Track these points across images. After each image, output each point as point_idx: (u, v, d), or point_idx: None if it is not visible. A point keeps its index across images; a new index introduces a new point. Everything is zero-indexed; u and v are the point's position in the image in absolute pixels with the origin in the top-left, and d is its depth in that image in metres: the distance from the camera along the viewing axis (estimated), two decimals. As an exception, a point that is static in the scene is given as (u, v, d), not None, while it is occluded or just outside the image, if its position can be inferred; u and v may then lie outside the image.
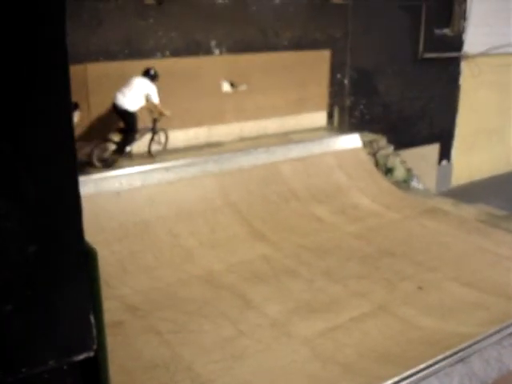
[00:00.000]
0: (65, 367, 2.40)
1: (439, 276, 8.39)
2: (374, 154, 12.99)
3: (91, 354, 2.42)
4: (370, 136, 13.37)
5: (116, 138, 10.56)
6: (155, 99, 10.43)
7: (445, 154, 17.56)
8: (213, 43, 11.84)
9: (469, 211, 11.11)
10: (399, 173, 13.27)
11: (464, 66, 17.06)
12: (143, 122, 10.77)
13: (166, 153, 11.14)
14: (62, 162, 2.20)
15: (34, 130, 2.10)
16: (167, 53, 11.16)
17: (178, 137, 11.39)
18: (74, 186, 2.27)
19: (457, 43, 16.60)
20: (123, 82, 10.34)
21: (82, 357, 2.40)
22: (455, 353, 6.06)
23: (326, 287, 8.06)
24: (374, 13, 14.18)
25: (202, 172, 10.48)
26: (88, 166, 10.07)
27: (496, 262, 8.87)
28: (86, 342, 2.41)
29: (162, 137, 11.21)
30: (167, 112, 10.68)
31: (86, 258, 2.36)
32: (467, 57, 16.84)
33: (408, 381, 5.65)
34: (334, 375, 6.03)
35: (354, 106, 14.67)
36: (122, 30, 10.64)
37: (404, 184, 13.00)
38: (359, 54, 14.12)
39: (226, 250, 9.16)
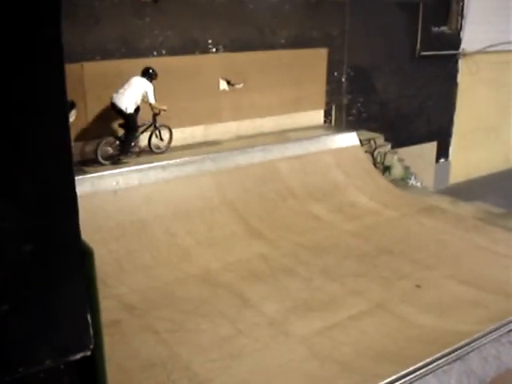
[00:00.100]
0: (62, 367, 2.40)
1: (437, 274, 8.39)
2: (371, 153, 12.99)
3: (88, 353, 2.41)
4: (368, 134, 13.37)
5: (119, 134, 10.59)
6: (151, 99, 10.44)
7: (442, 151, 17.57)
8: (209, 42, 11.82)
9: (466, 209, 11.12)
10: (397, 171, 13.27)
11: (462, 64, 17.06)
12: (145, 118, 10.82)
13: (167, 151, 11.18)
14: (58, 161, 2.19)
15: (30, 129, 2.09)
16: (164, 51, 11.14)
17: (175, 135, 11.35)
18: (71, 185, 2.26)
19: (454, 41, 16.60)
20: (120, 80, 10.33)
21: (78, 356, 2.40)
22: (453, 351, 6.07)
23: (323, 286, 8.06)
24: (372, 11, 14.16)
25: (199, 170, 10.47)
26: (95, 164, 10.16)
27: (494, 259, 8.87)
28: (83, 342, 2.40)
29: (166, 133, 11.22)
30: (163, 107, 10.69)
31: (83, 258, 2.35)
32: (465, 54, 16.84)
33: (406, 379, 5.65)
34: (332, 374, 6.03)
35: (352, 104, 14.67)
36: (118, 28, 10.62)
37: (402, 182, 13.01)
38: (356, 52, 14.10)
39: (223, 248, 9.16)
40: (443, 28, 16.22)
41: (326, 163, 11.94)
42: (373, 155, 12.99)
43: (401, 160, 13.51)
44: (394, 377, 5.63)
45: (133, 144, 10.61)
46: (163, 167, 10.18)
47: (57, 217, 2.23)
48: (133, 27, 10.79)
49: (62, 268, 2.28)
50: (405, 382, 5.64)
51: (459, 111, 17.45)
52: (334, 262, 8.78)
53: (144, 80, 10.47)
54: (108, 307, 7.08)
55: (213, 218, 9.83)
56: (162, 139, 11.15)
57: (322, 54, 13.66)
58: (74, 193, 2.26)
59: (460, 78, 17.18)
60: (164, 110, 10.75)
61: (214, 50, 11.96)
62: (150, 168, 10.07)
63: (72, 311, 2.34)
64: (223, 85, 12.24)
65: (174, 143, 11.30)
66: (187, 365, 6.16)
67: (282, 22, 12.82)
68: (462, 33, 16.60)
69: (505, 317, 6.78)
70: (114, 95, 10.28)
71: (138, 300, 7.60)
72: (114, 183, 9.53)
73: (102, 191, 9.36)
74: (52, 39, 2.08)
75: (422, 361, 5.85)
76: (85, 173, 9.50)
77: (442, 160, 17.65)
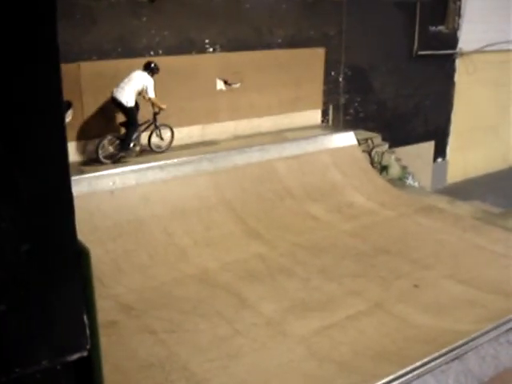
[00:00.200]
0: (58, 367, 2.39)
1: (435, 274, 8.39)
2: (369, 152, 12.99)
3: (85, 353, 2.40)
4: (365, 134, 13.37)
5: (119, 133, 10.60)
6: (151, 93, 10.45)
7: (440, 151, 17.57)
8: (206, 41, 11.81)
9: (464, 209, 11.12)
10: (394, 170, 13.28)
11: (459, 63, 17.07)
12: (145, 117, 10.83)
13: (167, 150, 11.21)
14: (54, 161, 2.18)
15: (26, 129, 2.08)
16: (160, 51, 11.13)
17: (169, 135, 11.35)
18: (67, 185, 2.25)
19: (452, 40, 16.60)
20: (117, 80, 10.33)
21: (75, 357, 2.39)
22: (451, 350, 6.07)
23: (321, 286, 8.06)
24: (369, 10, 14.16)
25: (197, 170, 10.47)
26: (96, 164, 10.20)
27: (492, 259, 8.87)
28: (80, 342, 2.39)
29: (166, 133, 11.23)
30: (163, 105, 10.70)
31: (79, 257, 2.34)
32: (462, 54, 16.85)
33: (404, 378, 5.65)
34: (330, 373, 6.03)
35: (349, 103, 14.66)
36: (114, 28, 10.61)
37: (399, 182, 13.02)
38: (354, 52, 14.10)
39: (221, 248, 9.15)
40: (440, 27, 16.22)
41: (324, 163, 11.93)
42: (370, 155, 12.98)
43: (398, 160, 13.51)
44: (392, 376, 5.63)
45: (133, 144, 10.60)
46: (160, 167, 10.17)
47: (53, 217, 2.22)
48: (129, 27, 10.78)
49: (58, 268, 2.27)
50: (403, 381, 5.64)
51: (456, 110, 17.45)
52: (332, 262, 8.78)
53: (145, 74, 10.49)
54: (105, 307, 7.08)
55: (210, 217, 9.82)
56: (162, 138, 11.15)
57: (319, 53, 13.66)
58: (71, 193, 2.25)
59: (457, 78, 17.19)
60: (163, 109, 10.75)
61: (211, 49, 11.95)
62: (147, 168, 10.06)
63: (68, 311, 2.33)
64: (220, 84, 12.23)
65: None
66: (185, 365, 6.16)
67: (279, 22, 12.82)
68: (459, 32, 16.61)
69: (503, 316, 6.79)
70: (115, 89, 10.31)
71: (136, 300, 7.59)
72: (111, 183, 9.52)
73: (99, 191, 9.35)
74: (48, 39, 2.07)
75: (420, 360, 5.85)
76: (82, 173, 9.49)
77: (439, 159, 17.66)
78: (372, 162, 12.92)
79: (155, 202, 9.64)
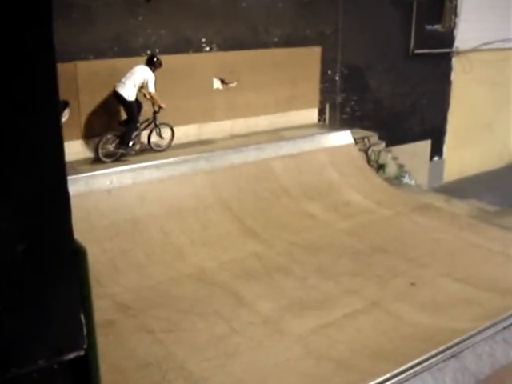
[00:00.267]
0: (55, 366, 2.38)
1: (432, 272, 8.40)
2: (365, 151, 13.00)
3: (82, 353, 2.40)
4: (362, 132, 13.38)
5: (118, 131, 10.60)
6: (151, 88, 10.46)
7: (436, 150, 17.59)
8: (203, 40, 11.81)
9: (461, 207, 11.13)
10: (391, 169, 13.28)
11: (455, 62, 17.08)
12: (144, 115, 10.85)
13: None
14: (50, 161, 2.18)
15: (23, 129, 2.08)
16: (157, 50, 11.12)
17: (169, 134, 11.34)
18: (63, 184, 2.25)
19: (448, 39, 16.61)
20: (113, 79, 10.33)
21: (72, 356, 2.38)
22: (448, 348, 6.07)
23: (318, 284, 8.06)
24: (365, 9, 14.17)
25: (193, 169, 10.46)
26: (97, 162, 10.25)
27: (488, 257, 8.88)
28: (77, 341, 2.39)
29: (166, 132, 11.25)
30: (163, 104, 10.72)
31: (76, 257, 2.34)
32: (458, 52, 16.86)
33: (401, 377, 5.65)
34: (327, 372, 6.03)
35: (345, 102, 14.67)
36: (111, 27, 10.61)
37: (396, 180, 13.02)
38: (350, 51, 14.10)
39: (218, 247, 9.15)
40: (437, 26, 16.24)
41: (320, 162, 11.94)
42: (367, 153, 12.99)
43: (395, 158, 13.52)
44: (389, 374, 5.63)
45: (132, 142, 10.62)
46: (157, 166, 10.17)
47: (49, 216, 2.22)
48: (126, 26, 10.77)
49: (54, 267, 2.26)
50: (400, 379, 5.64)
51: (453, 109, 17.47)
52: (329, 261, 8.78)
53: (147, 69, 10.52)
54: (102, 307, 7.07)
55: (207, 216, 9.82)
56: (162, 137, 11.15)
57: (315, 52, 13.67)
58: (67, 192, 2.25)
59: (454, 76, 17.20)
60: (162, 108, 10.76)
61: (208, 48, 11.95)
62: (143, 167, 10.06)
63: (65, 311, 2.33)
64: (217, 83, 12.23)
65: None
66: (182, 364, 6.16)
67: (276, 21, 12.82)
68: (455, 31, 16.62)
69: (499, 314, 6.79)
70: (117, 84, 10.34)
71: (133, 299, 7.59)
72: (108, 182, 9.52)
73: (96, 190, 9.35)
74: (44, 38, 2.07)
75: (417, 359, 5.86)
76: (78, 172, 9.47)
77: (436, 158, 17.67)
78: (369, 161, 12.93)
79: (152, 201, 9.64)
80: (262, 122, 13.01)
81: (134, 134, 10.61)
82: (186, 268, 8.51)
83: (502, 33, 17.09)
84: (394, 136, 14.85)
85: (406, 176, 13.54)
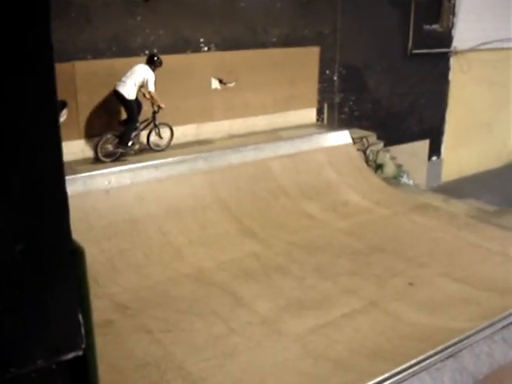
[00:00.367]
0: (53, 367, 2.38)
1: (430, 272, 8.40)
2: (363, 151, 13.00)
3: (80, 353, 2.40)
4: (360, 132, 13.38)
5: (117, 131, 10.61)
6: (151, 87, 10.48)
7: (435, 149, 17.60)
8: (201, 40, 11.81)
9: (459, 207, 11.14)
10: (389, 169, 13.29)
11: (453, 62, 17.09)
12: (144, 115, 10.87)
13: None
14: (48, 161, 2.18)
15: (20, 129, 2.08)
16: (155, 50, 11.11)
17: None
18: (61, 184, 2.25)
19: (446, 39, 16.62)
20: (111, 79, 10.34)
21: (70, 356, 2.38)
22: (446, 348, 6.07)
23: (316, 284, 8.06)
24: (363, 9, 14.17)
25: (192, 169, 10.47)
26: (97, 162, 10.29)
27: (486, 257, 8.89)
28: (75, 341, 2.38)
29: (166, 132, 11.28)
30: (162, 104, 10.73)
31: (74, 257, 2.34)
32: (456, 52, 16.87)
33: (399, 376, 5.65)
34: (326, 372, 6.03)
35: (344, 102, 14.67)
36: (109, 27, 10.61)
37: (394, 180, 13.03)
38: (348, 50, 14.11)
39: (216, 247, 9.15)
40: (435, 26, 16.25)
41: (319, 161, 11.94)
42: (365, 153, 13.00)
43: (393, 158, 13.52)
44: (387, 374, 5.63)
45: (131, 142, 10.63)
46: (155, 166, 10.17)
47: (47, 216, 2.22)
48: (124, 26, 10.77)
49: (53, 268, 2.26)
50: (398, 379, 5.64)
51: (451, 109, 17.48)
52: (327, 261, 8.79)
53: (147, 68, 10.54)
54: (100, 307, 7.07)
55: (205, 216, 9.82)
56: (161, 137, 11.15)
57: (313, 52, 13.67)
58: (65, 192, 2.25)
59: (452, 76, 17.22)
60: (162, 108, 10.78)
61: (206, 48, 11.95)
62: (142, 167, 10.06)
63: (63, 311, 2.33)
64: (215, 83, 12.23)
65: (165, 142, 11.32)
66: (181, 364, 6.16)
67: (274, 21, 12.82)
68: (453, 31, 16.63)
69: (497, 314, 6.80)
70: (117, 83, 10.37)
71: (131, 299, 7.59)
72: (106, 182, 9.52)
73: (95, 190, 9.35)
74: (42, 38, 2.07)
75: (415, 358, 5.86)
76: (77, 172, 9.47)
77: (434, 158, 17.69)
78: (367, 161, 12.93)
79: (150, 201, 9.64)
80: (261, 122, 13.02)
81: (134, 133, 10.61)
82: (185, 268, 8.51)
83: (500, 32, 17.11)
84: (393, 136, 14.85)
85: (404, 176, 13.55)
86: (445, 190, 15.07)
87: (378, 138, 13.47)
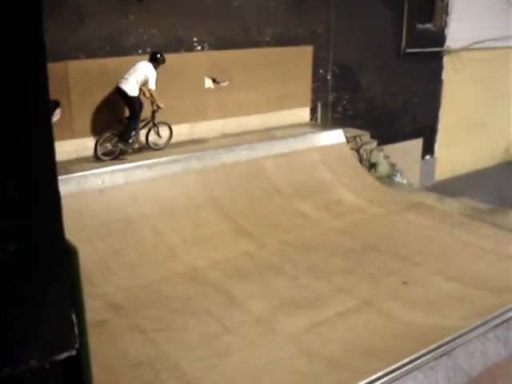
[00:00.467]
0: (47, 366, 2.38)
1: (424, 270, 8.42)
2: (357, 150, 13.01)
3: (73, 352, 2.40)
4: (354, 131, 13.39)
5: (116, 129, 10.63)
6: (152, 85, 10.52)
7: (428, 148, 17.63)
8: (195, 39, 11.80)
9: (452, 205, 11.16)
10: (383, 168, 13.30)
11: (447, 61, 17.13)
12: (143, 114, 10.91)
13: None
14: (40, 160, 2.18)
15: (12, 129, 2.07)
16: (149, 49, 11.10)
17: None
18: (54, 184, 2.24)
19: (439, 38, 16.66)
20: (104, 79, 10.35)
21: (64, 356, 2.38)
22: (440, 346, 6.08)
23: (310, 283, 8.06)
24: (357, 8, 14.18)
25: (185, 169, 10.46)
26: (97, 161, 10.34)
27: (480, 255, 8.91)
28: (68, 341, 2.38)
29: (165, 131, 11.31)
30: (161, 104, 10.76)
31: (67, 256, 2.33)
32: (450, 51, 16.91)
33: (393, 375, 5.66)
34: (320, 371, 6.04)
35: (337, 101, 14.69)
36: (102, 26, 10.59)
37: (388, 179, 13.04)
38: (342, 50, 14.12)
39: (210, 246, 9.15)
40: (428, 25, 16.28)
41: (312, 161, 11.95)
42: (359, 152, 13.01)
43: (387, 157, 13.54)
44: (381, 373, 5.63)
45: (131, 140, 10.64)
46: (149, 166, 10.16)
47: (40, 216, 2.22)
48: (117, 25, 10.76)
49: (46, 267, 2.26)
50: (392, 378, 5.64)
51: (444, 108, 17.52)
52: (321, 260, 8.79)
53: (149, 65, 10.59)
54: (94, 306, 7.06)
55: (199, 216, 9.82)
56: (160, 136, 11.17)
57: (307, 51, 13.68)
58: (58, 192, 2.25)
59: (445, 75, 17.25)
60: (161, 108, 10.83)
61: (200, 47, 11.94)
62: (135, 166, 10.05)
63: (56, 310, 2.32)
64: (209, 83, 12.23)
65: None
66: (175, 364, 6.15)
67: (267, 20, 12.82)
68: (446, 30, 16.66)
69: (491, 312, 6.81)
70: (120, 80, 10.41)
71: (125, 299, 7.58)
72: (100, 182, 9.51)
73: (88, 190, 9.34)
74: (34, 37, 2.06)
75: (408, 357, 5.87)
76: (70, 172, 9.45)
77: (427, 157, 17.72)
78: (360, 160, 12.95)
79: (144, 200, 9.63)
80: (254, 121, 13.02)
81: (134, 132, 10.63)
82: (178, 267, 8.50)
83: (493, 32, 17.14)
84: (386, 135, 14.87)
85: (398, 175, 13.57)
86: (438, 188, 15.10)
87: (372, 137, 13.48)
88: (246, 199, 10.52)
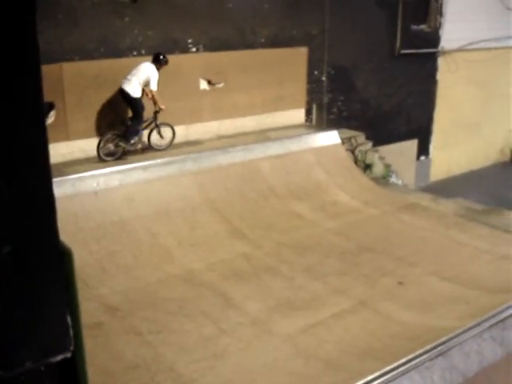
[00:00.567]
0: (42, 368, 2.38)
1: (419, 271, 8.42)
2: (352, 151, 13.02)
3: (68, 354, 2.39)
4: (349, 132, 13.40)
5: (118, 130, 10.65)
6: (153, 86, 10.54)
7: (423, 149, 17.66)
8: (189, 41, 11.80)
9: (447, 206, 11.17)
10: (378, 169, 13.31)
11: (441, 62, 17.16)
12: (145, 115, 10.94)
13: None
14: (34, 162, 2.18)
15: (6, 131, 2.07)
16: (143, 51, 11.10)
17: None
18: (48, 186, 2.24)
19: (434, 39, 16.69)
20: (99, 81, 10.34)
21: (59, 358, 2.38)
22: (435, 347, 6.09)
23: (306, 284, 8.06)
24: (351, 9, 14.21)
25: (180, 170, 10.46)
26: (100, 161, 10.38)
27: (475, 255, 8.91)
28: (63, 343, 2.38)
29: (167, 132, 11.34)
30: (162, 105, 10.80)
31: (62, 258, 2.33)
32: (444, 52, 16.94)
33: (389, 375, 5.66)
34: (316, 372, 6.04)
35: (332, 102, 14.70)
36: (97, 28, 10.58)
37: (383, 180, 13.06)
38: (336, 51, 14.13)
39: (206, 248, 9.14)
40: (422, 26, 16.31)
41: (308, 162, 11.95)
42: (354, 153, 13.02)
43: (382, 158, 13.55)
44: (377, 373, 5.63)
45: (133, 141, 10.65)
46: (144, 168, 10.15)
47: (35, 218, 2.21)
48: (112, 27, 10.75)
49: (40, 270, 2.26)
50: (388, 378, 5.64)
51: (439, 109, 17.55)
52: (317, 261, 8.79)
53: (152, 66, 10.61)
54: (90, 309, 7.05)
55: (194, 217, 9.81)
56: (162, 137, 11.20)
57: (302, 52, 13.68)
58: (52, 194, 2.24)
59: (439, 76, 17.28)
60: (162, 109, 10.86)
61: (194, 49, 11.94)
62: (130, 169, 10.04)
63: (51, 312, 2.32)
64: (204, 84, 12.23)
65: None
66: (171, 366, 6.14)
67: (262, 21, 12.83)
68: (441, 31, 16.69)
69: (486, 312, 6.81)
70: (123, 81, 10.44)
71: (121, 301, 7.56)
72: (95, 184, 9.49)
73: (83, 192, 9.32)
74: (28, 39, 2.06)
75: (405, 357, 5.87)
76: (65, 174, 9.44)
77: (422, 157, 17.75)
78: (356, 161, 12.95)
79: (139, 202, 9.62)
80: (249, 123, 13.02)
81: (136, 132, 10.64)
82: (174, 269, 8.49)
83: (487, 32, 17.19)
84: (381, 136, 14.89)
85: (393, 175, 13.58)
86: (433, 189, 15.13)
87: (367, 138, 13.49)
88: (242, 201, 10.52)
